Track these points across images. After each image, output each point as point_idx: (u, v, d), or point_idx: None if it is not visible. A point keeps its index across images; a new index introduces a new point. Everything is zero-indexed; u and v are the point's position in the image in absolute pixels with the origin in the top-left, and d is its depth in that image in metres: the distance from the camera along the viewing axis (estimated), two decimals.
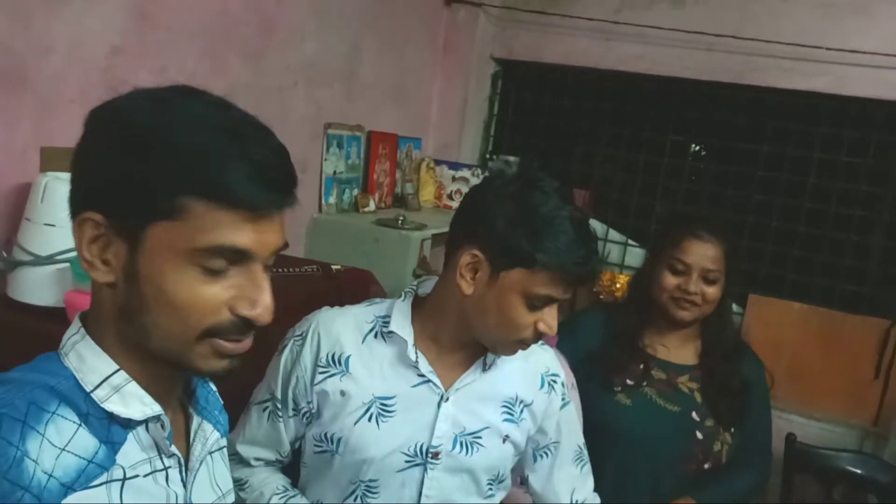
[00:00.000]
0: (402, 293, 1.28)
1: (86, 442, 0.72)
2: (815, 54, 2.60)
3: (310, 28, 2.34)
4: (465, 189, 3.06)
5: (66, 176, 1.43)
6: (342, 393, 1.20)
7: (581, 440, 1.44)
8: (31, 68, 1.53)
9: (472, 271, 1.15)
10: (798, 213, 2.90)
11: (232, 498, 0.94)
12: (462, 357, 1.24)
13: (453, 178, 3.11)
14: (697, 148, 3.17)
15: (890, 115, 2.74)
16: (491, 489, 1.27)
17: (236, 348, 0.75)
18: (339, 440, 1.21)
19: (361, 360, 1.22)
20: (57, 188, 1.42)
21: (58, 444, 0.70)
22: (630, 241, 3.16)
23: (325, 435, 1.22)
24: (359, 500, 1.22)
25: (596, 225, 3.21)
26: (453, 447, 1.21)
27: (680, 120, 3.06)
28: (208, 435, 0.87)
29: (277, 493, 1.25)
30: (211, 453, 0.89)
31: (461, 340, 1.22)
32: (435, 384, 1.21)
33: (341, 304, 1.33)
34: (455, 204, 3.09)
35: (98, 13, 1.66)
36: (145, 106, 0.73)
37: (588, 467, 1.45)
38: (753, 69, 2.74)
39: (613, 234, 3.20)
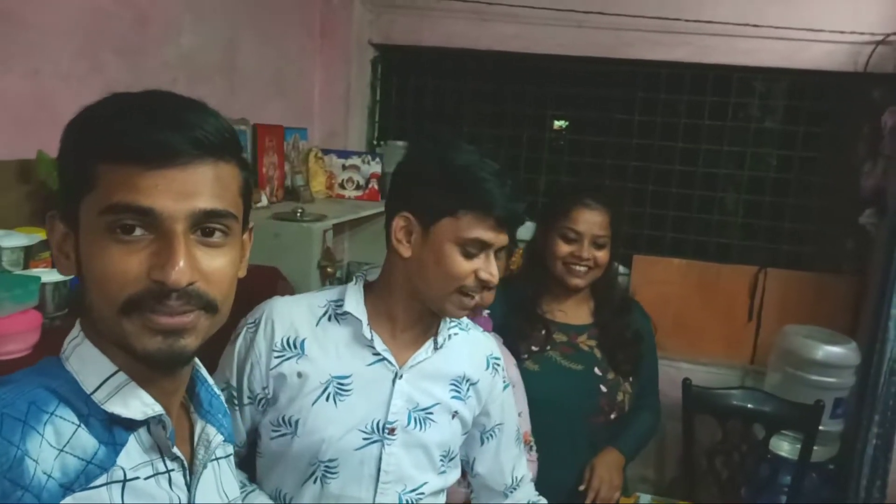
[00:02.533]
0: (354, 278, 1.31)
1: (85, 443, 0.71)
2: (676, 26, 2.79)
3: (185, 21, 2.24)
4: (356, 176, 3.05)
5: None
6: (299, 374, 1.21)
7: (517, 419, 1.51)
8: None
9: (406, 234, 1.22)
10: (670, 176, 3.11)
11: None
12: (415, 336, 1.28)
13: (343, 167, 3.08)
14: (563, 124, 3.32)
15: (743, 79, 3.00)
16: (443, 465, 1.31)
17: (168, 322, 0.70)
18: (296, 421, 1.21)
19: (317, 341, 1.23)
20: None
21: (56, 445, 0.69)
22: None
23: (283, 418, 1.22)
24: (318, 482, 1.22)
25: None
26: (408, 423, 1.25)
27: (557, 96, 3.19)
28: (212, 438, 0.85)
29: None
30: (218, 459, 0.88)
31: (412, 315, 1.26)
32: (390, 362, 1.24)
33: (251, 303, 1.32)
34: (348, 192, 3.08)
35: None
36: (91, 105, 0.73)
37: (522, 444, 1.53)
38: (622, 43, 2.90)
39: None
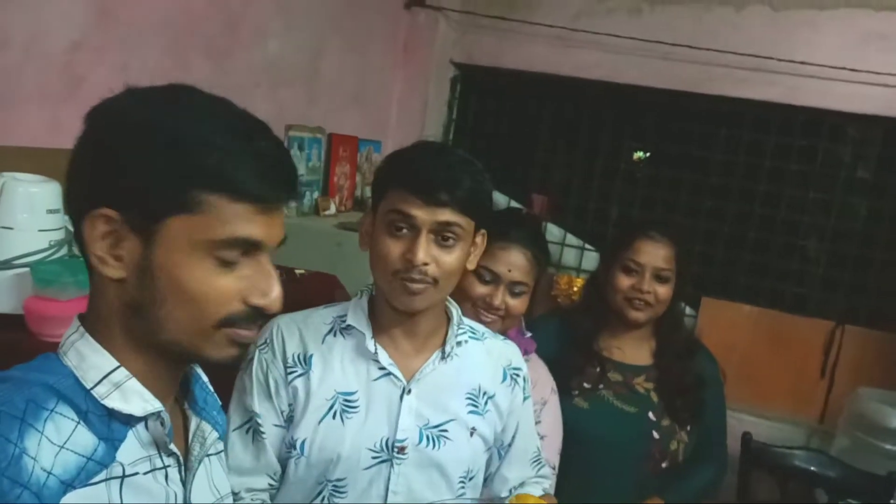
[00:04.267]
0: (359, 292, 1.27)
1: (85, 439, 0.71)
2: (767, 65, 2.69)
3: (274, 27, 2.30)
4: None
5: (25, 177, 1.39)
6: (307, 392, 1.19)
7: (537, 440, 1.41)
8: None
9: (369, 227, 1.20)
10: (749, 218, 2.99)
11: (230, 500, 0.93)
12: (419, 347, 1.23)
13: None
14: (644, 155, 3.24)
15: (836, 125, 2.86)
16: (462, 487, 1.24)
17: (248, 336, 0.77)
18: (303, 442, 1.18)
19: (322, 358, 1.20)
20: (15, 189, 1.36)
21: (56, 442, 0.69)
22: (587, 246, 3.20)
23: (290, 439, 1.19)
24: (326, 501, 1.18)
25: (553, 229, 3.26)
26: (419, 441, 1.19)
27: (636, 127, 3.12)
28: (207, 435, 0.86)
29: None
30: (209, 456, 0.88)
31: (394, 317, 1.20)
32: (396, 376, 1.20)
33: (309, 307, 1.31)
34: None
35: (57, 6, 1.59)
36: (152, 103, 0.74)
37: (546, 470, 1.43)
38: (708, 78, 2.82)
39: (571, 239, 3.24)
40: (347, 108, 2.84)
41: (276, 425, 1.21)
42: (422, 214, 1.11)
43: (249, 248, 0.74)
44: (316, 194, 2.67)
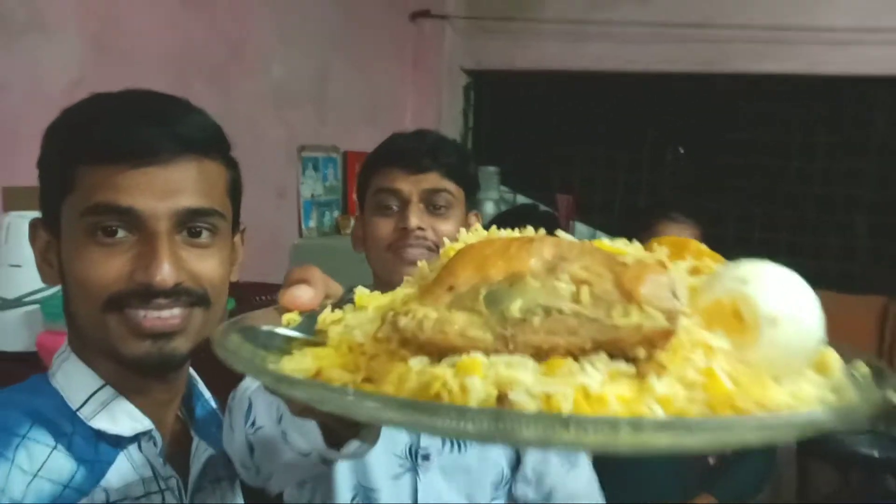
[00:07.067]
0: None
1: (60, 465, 0.67)
2: (787, 36, 2.60)
3: (276, 51, 2.31)
4: None
5: (30, 214, 1.39)
6: None
7: None
8: None
9: (359, 230, 1.18)
10: (782, 196, 2.88)
11: None
12: None
13: None
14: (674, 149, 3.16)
15: (862, 90, 2.74)
16: (497, 491, 1.17)
17: (156, 325, 0.67)
18: None
19: None
20: (21, 227, 1.35)
21: (28, 470, 0.66)
22: None
23: None
24: None
25: (582, 228, 3.19)
26: (443, 445, 1.12)
27: (657, 114, 3.04)
28: (202, 454, 0.81)
29: None
30: (220, 481, 0.83)
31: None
32: None
33: None
34: None
35: (55, 47, 1.61)
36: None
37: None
38: (725, 57, 2.74)
39: (601, 236, 3.17)
40: (361, 125, 2.83)
41: None
42: (407, 185, 1.07)
43: (125, 219, 0.66)
44: (336, 213, 2.65)
